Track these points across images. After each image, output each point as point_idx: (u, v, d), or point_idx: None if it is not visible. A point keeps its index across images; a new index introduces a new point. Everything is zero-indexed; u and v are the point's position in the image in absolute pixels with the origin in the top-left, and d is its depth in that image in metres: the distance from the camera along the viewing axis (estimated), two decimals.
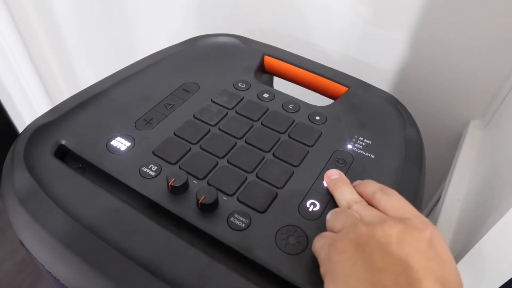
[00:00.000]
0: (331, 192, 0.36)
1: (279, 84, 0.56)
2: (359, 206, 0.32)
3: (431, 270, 0.25)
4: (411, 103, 0.57)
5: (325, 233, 0.31)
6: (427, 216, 0.67)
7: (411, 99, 0.64)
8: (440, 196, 0.56)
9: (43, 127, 0.39)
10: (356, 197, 0.34)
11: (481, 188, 0.47)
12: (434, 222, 0.49)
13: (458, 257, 0.42)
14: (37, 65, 1.01)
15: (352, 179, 0.37)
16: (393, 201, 0.31)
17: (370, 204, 0.33)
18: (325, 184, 0.37)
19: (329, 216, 0.32)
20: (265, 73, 0.55)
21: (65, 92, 1.09)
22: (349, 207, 0.33)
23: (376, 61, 0.63)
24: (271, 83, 0.58)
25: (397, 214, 0.30)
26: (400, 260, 0.26)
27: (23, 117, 1.08)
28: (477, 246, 0.38)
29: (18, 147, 0.37)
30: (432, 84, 0.61)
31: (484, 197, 0.44)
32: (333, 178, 0.37)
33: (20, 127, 1.12)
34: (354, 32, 0.62)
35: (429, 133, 0.64)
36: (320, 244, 0.30)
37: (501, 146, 0.48)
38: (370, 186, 0.34)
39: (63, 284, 0.32)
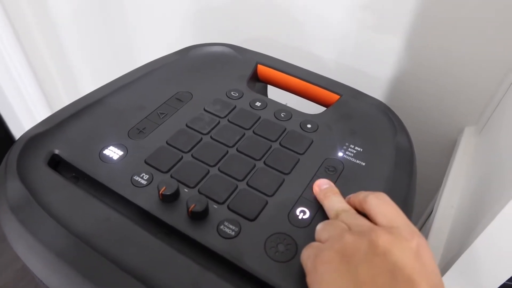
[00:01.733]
0: (320, 202, 0.36)
1: (273, 92, 0.57)
2: (347, 215, 0.32)
3: (418, 281, 0.25)
4: (405, 110, 0.57)
5: (312, 243, 0.31)
6: (423, 223, 0.67)
7: (406, 106, 0.64)
8: (435, 203, 0.56)
9: (37, 136, 0.40)
10: (345, 205, 0.34)
11: (474, 194, 0.47)
12: (428, 230, 0.49)
13: (450, 262, 0.42)
14: (37, 73, 1.02)
15: (342, 186, 0.38)
16: (384, 206, 0.31)
17: (360, 209, 0.33)
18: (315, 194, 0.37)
19: (318, 227, 0.33)
20: (258, 81, 0.55)
21: (64, 99, 1.10)
22: (338, 215, 0.33)
23: (371, 69, 0.64)
24: (265, 92, 0.58)
25: (386, 222, 0.30)
26: (385, 272, 0.26)
27: (23, 125, 1.09)
28: (468, 251, 0.38)
29: (11, 157, 0.37)
30: (427, 92, 0.62)
31: (478, 203, 0.44)
32: (323, 188, 0.37)
33: (19, 135, 1.14)
34: (349, 40, 0.62)
35: (424, 140, 0.64)
36: (307, 255, 0.30)
37: (495, 151, 0.48)
38: (363, 193, 0.34)
39: None
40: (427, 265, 0.27)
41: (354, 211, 0.33)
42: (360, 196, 0.33)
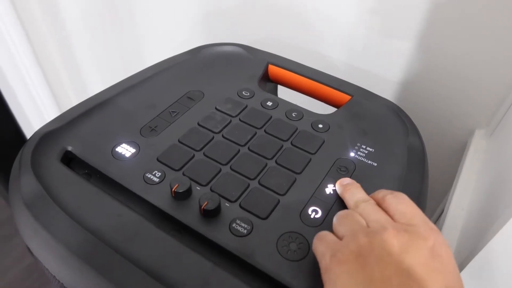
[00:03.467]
0: (341, 196, 0.37)
1: (284, 92, 0.57)
2: (367, 205, 0.32)
3: (434, 281, 0.25)
4: (415, 112, 0.57)
5: (326, 237, 0.31)
6: None
7: (416, 108, 0.64)
8: (445, 205, 0.56)
9: (50, 133, 0.40)
10: (365, 196, 0.34)
11: (485, 197, 0.47)
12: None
13: (462, 265, 0.41)
14: (46, 73, 1.03)
15: None
16: (402, 205, 0.31)
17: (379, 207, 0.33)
18: (329, 192, 0.37)
19: (334, 219, 0.33)
20: (269, 81, 0.55)
21: (73, 100, 1.11)
22: (357, 206, 0.33)
23: (381, 71, 0.63)
24: (275, 92, 0.58)
25: (404, 220, 0.30)
26: (401, 272, 0.26)
27: (32, 125, 1.10)
28: (481, 253, 0.38)
29: (25, 153, 0.37)
30: (437, 94, 0.61)
31: (489, 205, 0.43)
32: (345, 183, 0.37)
33: (29, 134, 1.14)
34: (358, 41, 0.62)
35: (434, 143, 0.64)
36: (321, 252, 0.30)
37: (506, 155, 0.48)
38: (382, 192, 0.34)
39: None
40: (445, 264, 0.26)
41: (373, 202, 0.33)
42: (379, 195, 0.33)
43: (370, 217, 0.31)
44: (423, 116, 0.64)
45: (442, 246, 0.27)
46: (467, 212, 0.50)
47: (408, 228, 0.28)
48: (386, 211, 0.32)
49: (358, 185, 0.37)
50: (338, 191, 0.37)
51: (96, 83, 1.05)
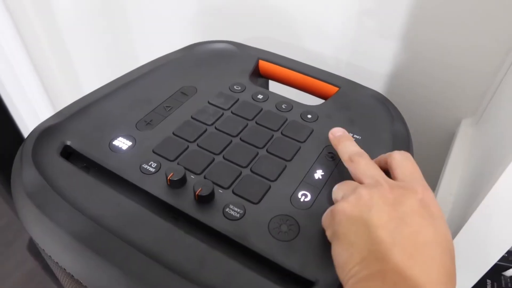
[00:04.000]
0: (335, 147, 0.39)
1: (274, 87, 0.58)
2: (361, 159, 0.35)
3: (425, 226, 0.28)
4: (402, 104, 0.59)
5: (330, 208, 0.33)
6: None
7: (403, 100, 0.66)
8: (434, 192, 0.57)
9: (50, 129, 0.42)
10: (358, 149, 0.37)
11: (471, 182, 0.48)
12: None
13: None
14: (40, 73, 1.04)
15: (342, 172, 0.40)
16: (404, 162, 0.34)
17: (384, 164, 0.36)
18: (318, 177, 0.39)
19: (334, 188, 0.35)
20: (260, 77, 0.57)
21: (68, 100, 1.13)
22: (351, 160, 0.36)
23: (368, 64, 0.65)
24: (266, 87, 0.60)
25: (402, 176, 0.33)
26: (395, 218, 0.28)
27: (27, 125, 1.10)
28: (463, 229, 0.40)
29: (26, 147, 0.39)
30: (423, 85, 0.63)
31: (474, 189, 0.45)
32: (337, 135, 0.40)
33: (25, 133, 1.15)
34: (346, 36, 0.64)
35: (421, 133, 0.66)
36: (325, 214, 0.33)
37: (491, 141, 0.50)
38: (389, 153, 0.36)
39: (70, 274, 0.34)
40: (434, 214, 0.29)
41: (367, 155, 0.36)
42: (386, 154, 0.36)
43: (365, 172, 0.34)
44: (410, 107, 0.65)
45: (431, 199, 0.30)
46: (455, 196, 0.51)
47: (401, 183, 0.31)
48: (389, 165, 0.34)
49: (350, 136, 0.40)
50: (332, 142, 0.40)
51: (90, 81, 1.07)
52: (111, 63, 0.98)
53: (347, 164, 0.37)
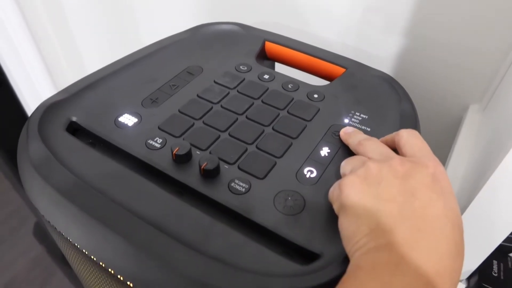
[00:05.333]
0: (345, 142, 0.39)
1: (280, 70, 0.58)
2: (370, 142, 0.35)
3: (435, 200, 0.28)
4: (409, 89, 0.58)
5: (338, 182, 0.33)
6: None
7: (410, 85, 0.65)
8: None
9: (56, 104, 0.42)
10: (368, 136, 0.37)
11: (478, 165, 0.48)
12: None
13: None
14: (43, 53, 1.04)
15: (348, 150, 0.39)
16: (412, 139, 0.34)
17: (392, 144, 0.35)
18: (324, 154, 0.39)
19: (342, 163, 0.35)
20: (266, 59, 0.57)
21: (71, 80, 1.13)
22: (360, 143, 0.36)
23: (375, 49, 0.65)
24: (272, 69, 0.60)
25: (411, 152, 0.32)
26: (405, 192, 0.28)
27: (29, 105, 1.10)
28: (470, 208, 0.39)
29: (32, 121, 0.39)
30: (431, 70, 0.63)
31: (481, 172, 0.45)
32: (348, 131, 0.40)
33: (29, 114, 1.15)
34: (352, 20, 0.64)
35: (428, 119, 0.65)
36: (332, 188, 0.32)
37: (498, 127, 0.50)
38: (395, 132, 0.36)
39: (75, 245, 0.34)
40: (444, 188, 0.29)
41: (376, 139, 0.36)
42: (393, 133, 0.36)
43: (375, 151, 0.34)
44: (418, 93, 0.65)
45: (442, 174, 0.30)
46: (461, 179, 0.51)
47: (411, 158, 0.31)
48: (397, 143, 0.34)
49: (361, 132, 0.39)
50: (343, 138, 0.40)
51: (93, 62, 1.06)
52: (115, 45, 0.98)
53: (356, 148, 0.37)
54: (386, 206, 0.28)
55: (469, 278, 0.45)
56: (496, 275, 0.43)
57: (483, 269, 0.44)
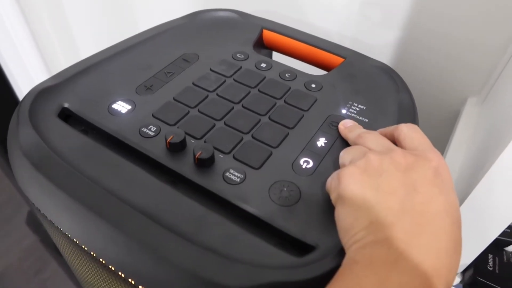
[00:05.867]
0: (344, 136, 0.38)
1: (278, 59, 0.57)
2: (370, 134, 0.34)
3: (436, 195, 0.27)
4: (407, 82, 0.58)
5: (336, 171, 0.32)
6: None
7: (408, 78, 0.64)
8: None
9: (47, 90, 0.41)
10: (367, 130, 0.36)
11: (476, 159, 0.47)
12: None
13: None
14: (37, 38, 1.02)
15: (345, 141, 0.39)
16: (412, 133, 0.33)
17: (391, 137, 0.34)
18: (320, 145, 0.38)
19: (341, 153, 0.34)
20: (263, 48, 0.56)
21: (64, 65, 1.11)
22: (360, 136, 0.35)
23: (372, 41, 0.64)
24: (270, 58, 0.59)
25: (412, 146, 0.31)
26: (406, 185, 0.27)
27: (21, 90, 1.09)
28: (467, 201, 0.39)
29: (23, 106, 0.38)
30: (429, 63, 0.62)
31: (478, 166, 0.44)
32: (348, 125, 0.39)
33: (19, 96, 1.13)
34: (351, 11, 0.63)
35: (426, 111, 0.65)
36: (330, 178, 0.32)
37: (496, 120, 0.49)
38: (394, 125, 0.35)
39: (65, 234, 0.33)
40: (446, 183, 0.28)
41: (376, 132, 0.35)
42: (392, 127, 0.35)
43: (375, 142, 0.33)
44: (416, 85, 0.64)
45: (444, 168, 0.29)
46: (458, 173, 0.51)
47: (414, 152, 0.30)
48: (396, 137, 0.33)
49: (360, 126, 0.38)
50: (342, 132, 0.39)
51: (87, 47, 1.04)
52: (110, 30, 0.96)
53: (356, 142, 0.35)
54: (387, 199, 0.27)
55: (464, 272, 0.45)
56: (491, 269, 0.43)
57: (479, 263, 0.43)
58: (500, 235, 0.41)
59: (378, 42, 0.64)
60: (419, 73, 0.64)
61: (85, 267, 0.37)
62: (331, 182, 0.31)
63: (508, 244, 0.45)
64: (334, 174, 0.31)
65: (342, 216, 0.29)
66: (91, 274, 0.38)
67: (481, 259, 0.43)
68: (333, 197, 0.30)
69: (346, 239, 0.28)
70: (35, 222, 1.27)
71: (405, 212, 0.26)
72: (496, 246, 0.43)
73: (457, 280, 0.44)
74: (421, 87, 0.65)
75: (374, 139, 0.33)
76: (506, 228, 0.41)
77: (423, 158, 0.29)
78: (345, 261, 0.27)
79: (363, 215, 0.27)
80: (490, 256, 0.44)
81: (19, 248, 1.26)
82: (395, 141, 0.34)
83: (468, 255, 0.43)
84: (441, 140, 0.63)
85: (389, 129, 0.35)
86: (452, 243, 0.26)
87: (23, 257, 1.24)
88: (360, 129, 0.37)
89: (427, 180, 0.28)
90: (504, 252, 0.45)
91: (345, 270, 0.26)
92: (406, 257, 0.24)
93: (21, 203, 1.33)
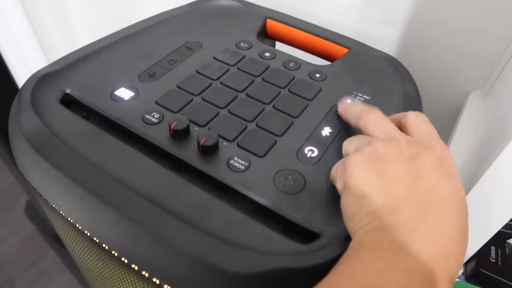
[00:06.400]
0: (344, 116, 0.37)
1: (282, 49, 0.57)
2: (372, 116, 0.33)
3: (442, 183, 0.27)
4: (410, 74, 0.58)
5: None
6: None
7: (411, 71, 0.64)
8: None
9: (49, 75, 0.40)
10: (367, 107, 0.35)
11: (478, 153, 0.47)
12: None
13: None
14: (35, 24, 1.01)
15: (350, 131, 0.38)
16: (420, 122, 0.32)
17: (398, 124, 0.34)
18: (325, 134, 0.38)
19: (345, 142, 0.33)
20: (267, 38, 0.55)
21: (62, 54, 1.10)
22: (360, 117, 0.34)
23: (375, 34, 0.63)
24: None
25: (419, 135, 0.31)
26: (411, 173, 0.27)
27: (19, 78, 1.08)
28: (471, 194, 0.39)
29: (25, 91, 0.38)
30: (432, 56, 0.62)
31: (481, 160, 0.44)
32: (346, 102, 0.38)
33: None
34: (354, 3, 0.62)
35: (428, 105, 0.64)
36: (335, 166, 0.31)
37: (499, 114, 0.49)
38: (403, 112, 0.35)
39: (67, 219, 0.33)
40: (451, 173, 0.28)
41: (378, 110, 0.34)
42: (400, 114, 0.34)
43: (379, 127, 0.32)
44: (418, 79, 0.64)
45: (449, 158, 0.29)
46: (460, 167, 0.51)
47: (420, 141, 0.30)
48: (403, 124, 0.33)
49: (359, 102, 0.38)
50: (341, 113, 0.38)
51: (86, 36, 1.03)
52: (109, 19, 0.95)
53: (356, 122, 0.35)
54: (392, 185, 0.27)
55: (466, 263, 0.45)
56: (494, 261, 0.43)
57: (481, 255, 0.43)
58: (503, 228, 0.41)
59: (380, 35, 0.63)
60: (422, 66, 0.63)
61: (87, 254, 0.37)
62: (336, 170, 0.31)
63: (510, 236, 0.45)
64: (339, 163, 0.31)
65: (348, 203, 0.28)
66: (93, 261, 0.38)
67: (484, 251, 0.43)
68: (338, 185, 0.30)
69: (352, 225, 0.28)
70: (33, 212, 1.27)
71: (410, 198, 0.26)
72: (499, 238, 0.43)
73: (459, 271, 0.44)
74: (424, 80, 0.64)
75: (377, 122, 0.33)
76: (509, 221, 0.41)
77: (427, 147, 0.29)
78: (351, 245, 0.27)
79: (369, 201, 0.27)
80: (493, 248, 0.44)
81: (17, 238, 1.25)
82: (401, 128, 0.33)
83: (471, 247, 0.43)
84: (443, 134, 0.62)
85: (396, 116, 0.35)
86: (459, 231, 0.26)
87: (21, 247, 1.24)
88: (359, 106, 0.35)
89: (432, 169, 0.27)
90: (507, 244, 0.45)
91: (350, 253, 0.26)
92: (412, 242, 0.24)
93: (20, 193, 1.32)
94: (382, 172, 0.28)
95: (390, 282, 0.23)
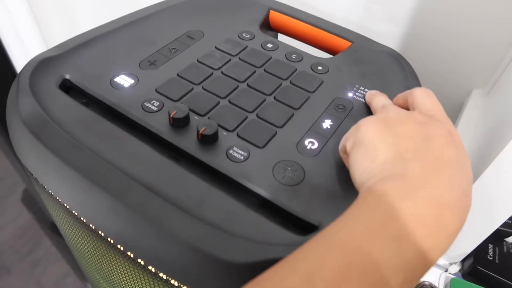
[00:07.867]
0: (368, 103, 0.40)
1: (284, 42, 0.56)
2: (391, 106, 0.35)
3: (450, 148, 0.27)
4: None
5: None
6: None
7: (413, 67, 0.64)
8: None
9: (48, 60, 0.40)
10: (391, 102, 0.37)
11: (479, 151, 0.47)
12: None
13: None
14: (35, 10, 1.00)
15: (351, 124, 0.38)
16: (428, 98, 0.33)
17: (404, 103, 0.35)
18: (326, 127, 0.38)
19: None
20: (270, 29, 0.55)
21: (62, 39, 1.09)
22: (383, 107, 0.35)
23: (378, 32, 0.63)
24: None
25: (426, 111, 0.32)
26: (422, 135, 0.28)
27: (18, 64, 1.07)
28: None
29: (23, 75, 0.37)
30: (434, 54, 0.61)
31: (482, 158, 0.44)
32: (373, 92, 0.40)
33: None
34: (358, 0, 0.62)
35: None
36: (347, 133, 0.32)
37: (502, 112, 0.49)
38: (409, 90, 0.36)
39: (64, 205, 0.33)
40: (459, 145, 0.28)
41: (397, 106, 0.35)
42: (406, 91, 0.35)
43: (394, 109, 0.33)
44: (420, 76, 0.64)
45: (457, 133, 0.29)
46: None
47: (430, 116, 0.31)
48: (411, 102, 0.34)
49: (384, 94, 0.39)
50: (367, 98, 0.40)
51: (88, 24, 1.03)
52: (110, 5, 0.94)
53: (378, 111, 0.36)
54: (404, 141, 0.28)
55: (463, 261, 0.45)
56: (491, 258, 0.43)
57: (479, 252, 0.43)
58: (501, 226, 0.41)
59: (383, 32, 0.63)
60: (424, 63, 0.63)
61: (83, 241, 0.37)
62: (346, 135, 0.32)
63: (508, 235, 0.45)
64: (352, 128, 0.32)
65: (359, 158, 0.29)
66: (89, 249, 0.37)
67: (481, 248, 0.43)
68: (348, 144, 0.31)
69: (362, 177, 0.28)
70: (30, 201, 1.26)
71: (420, 153, 0.27)
72: (497, 236, 0.43)
73: (456, 268, 0.44)
74: (426, 78, 0.64)
75: (396, 110, 0.33)
76: (507, 219, 0.41)
77: (437, 120, 0.30)
78: (359, 194, 0.27)
79: (381, 153, 0.28)
80: (490, 246, 0.44)
81: (14, 226, 1.25)
82: (408, 107, 0.34)
83: (469, 244, 0.42)
84: None
85: (402, 94, 0.36)
86: (462, 191, 0.26)
87: (17, 235, 1.24)
88: (386, 100, 0.37)
89: (442, 136, 0.28)
90: (504, 242, 0.45)
91: (358, 200, 0.26)
92: (420, 190, 0.25)
93: (17, 181, 1.32)
94: (395, 131, 0.29)
95: (395, 227, 0.23)
